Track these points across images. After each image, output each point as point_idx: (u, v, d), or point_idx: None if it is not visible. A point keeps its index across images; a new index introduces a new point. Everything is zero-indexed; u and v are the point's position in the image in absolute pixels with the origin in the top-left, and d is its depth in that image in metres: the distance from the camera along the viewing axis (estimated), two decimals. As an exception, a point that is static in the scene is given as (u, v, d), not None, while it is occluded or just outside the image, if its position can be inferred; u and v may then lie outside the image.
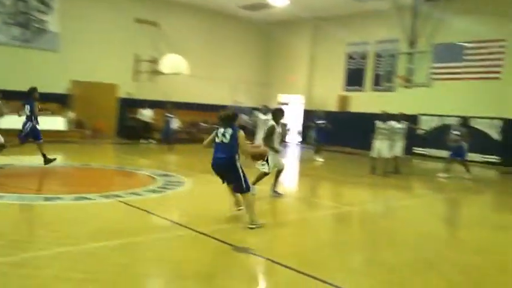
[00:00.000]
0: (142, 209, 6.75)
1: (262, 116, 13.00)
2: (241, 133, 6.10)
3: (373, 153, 12.41)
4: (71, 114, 17.60)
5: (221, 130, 6.10)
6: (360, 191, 10.60)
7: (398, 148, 12.67)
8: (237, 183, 6.08)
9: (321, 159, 15.23)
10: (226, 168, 6.08)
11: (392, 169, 12.57)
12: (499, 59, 16.68)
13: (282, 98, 24.19)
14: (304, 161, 16.57)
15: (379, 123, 12.42)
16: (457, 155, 12.69)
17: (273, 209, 8.10)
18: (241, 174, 6.03)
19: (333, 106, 21.26)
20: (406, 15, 15.17)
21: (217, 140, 6.10)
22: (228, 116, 6.20)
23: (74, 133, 17.33)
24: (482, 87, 16.90)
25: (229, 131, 6.04)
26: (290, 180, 11.98)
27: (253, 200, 6.21)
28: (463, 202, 10.22)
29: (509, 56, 16.45)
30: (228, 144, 6.01)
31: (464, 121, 13.07)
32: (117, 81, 19.61)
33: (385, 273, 4.70)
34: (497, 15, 16.57)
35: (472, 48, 17.30)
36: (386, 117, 12.53)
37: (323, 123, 15.40)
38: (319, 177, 12.69)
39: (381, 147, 12.23)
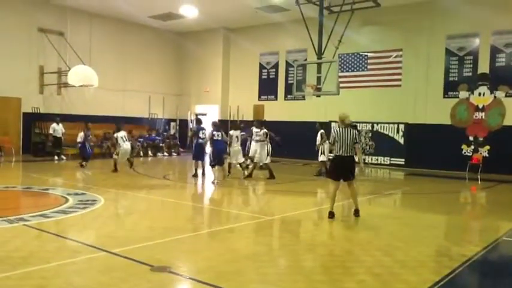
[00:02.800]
0: (51, 233, 6.40)
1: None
2: None
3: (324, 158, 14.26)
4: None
5: None
6: (279, 199, 10.82)
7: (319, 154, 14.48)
8: None
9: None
10: None
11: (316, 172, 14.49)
12: (398, 68, 17.95)
13: (198, 108, 24.13)
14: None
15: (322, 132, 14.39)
16: None
17: (190, 222, 8.03)
18: None
19: (248, 115, 21.58)
20: (313, 26, 15.81)
21: None
22: None
23: (-27, 152, 16.06)
24: (386, 94, 18.06)
25: None
26: (209, 192, 11.97)
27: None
28: (372, 203, 10.77)
29: (406, 64, 17.76)
30: None
31: (353, 126, 14.47)
32: (21, 94, 18.49)
33: (301, 280, 4.83)
34: (394, 27, 17.84)
35: (375, 57, 18.45)
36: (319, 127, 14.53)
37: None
38: (239, 187, 12.79)
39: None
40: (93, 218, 7.74)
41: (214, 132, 12.43)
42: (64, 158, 17.80)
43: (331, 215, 7.98)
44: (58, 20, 19.46)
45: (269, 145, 13.42)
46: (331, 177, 8.24)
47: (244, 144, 16.22)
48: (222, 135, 12.55)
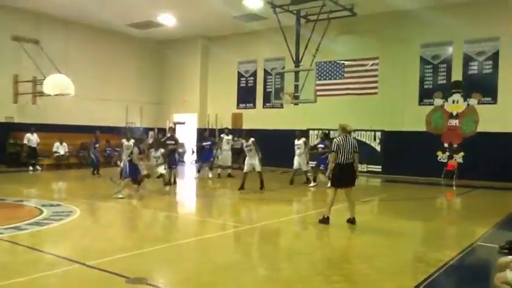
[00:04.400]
0: (24, 246, 6.26)
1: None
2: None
3: (295, 167, 14.24)
4: None
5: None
6: (258, 207, 10.81)
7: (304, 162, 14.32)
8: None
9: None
10: None
11: (306, 180, 14.18)
12: (374, 76, 18.20)
13: (177, 117, 24.01)
14: (200, 179, 16.45)
15: (296, 141, 14.24)
16: (323, 164, 13.58)
17: (168, 232, 7.95)
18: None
19: (227, 123, 21.55)
20: (290, 34, 15.94)
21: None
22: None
23: None
24: (362, 102, 18.25)
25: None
26: (186, 201, 11.90)
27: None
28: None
29: (382, 72, 18.02)
30: None
31: (326, 134, 14.50)
32: (-7, 104, 18.11)
33: (279, 289, 4.83)
34: (370, 36, 18.10)
35: (351, 66, 18.68)
36: (300, 134, 14.48)
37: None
38: (216, 196, 12.73)
39: (298, 161, 14.14)
40: (69, 230, 7.60)
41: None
42: (39, 168, 17.48)
43: (328, 220, 8.15)
44: (33, 28, 19.16)
45: (259, 153, 12.96)
46: (335, 186, 8.34)
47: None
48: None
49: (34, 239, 6.88)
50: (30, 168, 17.26)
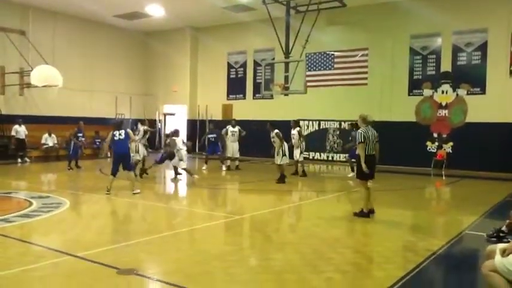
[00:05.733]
0: (12, 238, 6.21)
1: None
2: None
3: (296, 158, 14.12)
4: None
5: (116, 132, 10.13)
6: (248, 197, 10.82)
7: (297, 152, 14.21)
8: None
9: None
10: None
11: (301, 172, 14.19)
12: (364, 67, 18.23)
13: (166, 108, 23.90)
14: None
15: (292, 131, 14.04)
16: (353, 156, 13.39)
17: (159, 222, 7.94)
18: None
19: (217, 115, 21.54)
20: (280, 25, 15.89)
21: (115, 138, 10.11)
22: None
23: None
24: (352, 92, 18.29)
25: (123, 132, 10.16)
26: (176, 192, 11.87)
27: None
28: (340, 200, 10.89)
29: (372, 62, 18.04)
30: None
31: (354, 125, 14.38)
32: (-20, 96, 17.87)
33: (270, 279, 4.84)
34: (360, 26, 18.09)
35: (341, 56, 18.69)
36: (294, 124, 14.23)
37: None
38: (208, 186, 12.71)
39: (295, 152, 14.00)
40: (58, 222, 7.55)
41: (115, 132, 10.27)
42: (28, 160, 17.33)
43: (373, 211, 8.11)
44: (19, 18, 18.88)
45: (285, 145, 12.75)
46: (366, 178, 8.08)
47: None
48: (125, 133, 10.33)
49: (23, 231, 6.84)
50: (19, 160, 17.10)
